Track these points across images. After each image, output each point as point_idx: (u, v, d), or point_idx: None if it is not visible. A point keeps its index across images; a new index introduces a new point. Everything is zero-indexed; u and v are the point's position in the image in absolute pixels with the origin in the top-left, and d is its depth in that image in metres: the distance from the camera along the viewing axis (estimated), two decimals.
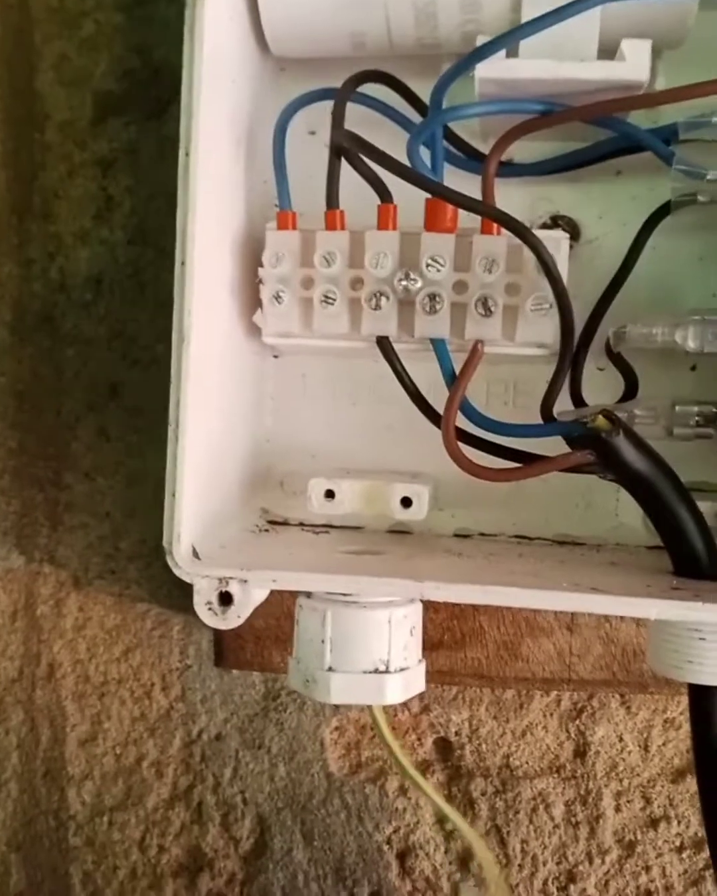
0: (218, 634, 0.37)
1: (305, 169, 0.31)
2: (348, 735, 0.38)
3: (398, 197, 0.29)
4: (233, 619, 0.28)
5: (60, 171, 0.38)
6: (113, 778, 0.39)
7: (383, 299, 0.28)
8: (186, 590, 0.39)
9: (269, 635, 0.36)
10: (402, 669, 0.29)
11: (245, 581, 0.28)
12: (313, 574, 0.27)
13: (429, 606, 0.35)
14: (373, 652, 0.28)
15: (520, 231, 0.28)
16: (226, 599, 0.28)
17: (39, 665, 0.39)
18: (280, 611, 0.36)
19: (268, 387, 0.34)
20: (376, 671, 0.28)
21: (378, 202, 0.29)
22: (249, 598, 0.28)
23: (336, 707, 0.38)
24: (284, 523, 0.35)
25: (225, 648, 0.37)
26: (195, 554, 0.28)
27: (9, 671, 0.39)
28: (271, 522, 0.35)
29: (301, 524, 0.35)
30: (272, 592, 0.36)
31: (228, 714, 0.39)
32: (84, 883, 0.39)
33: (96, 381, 0.39)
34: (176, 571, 0.28)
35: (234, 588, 0.28)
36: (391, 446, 0.34)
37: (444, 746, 0.38)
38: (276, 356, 0.34)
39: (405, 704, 0.38)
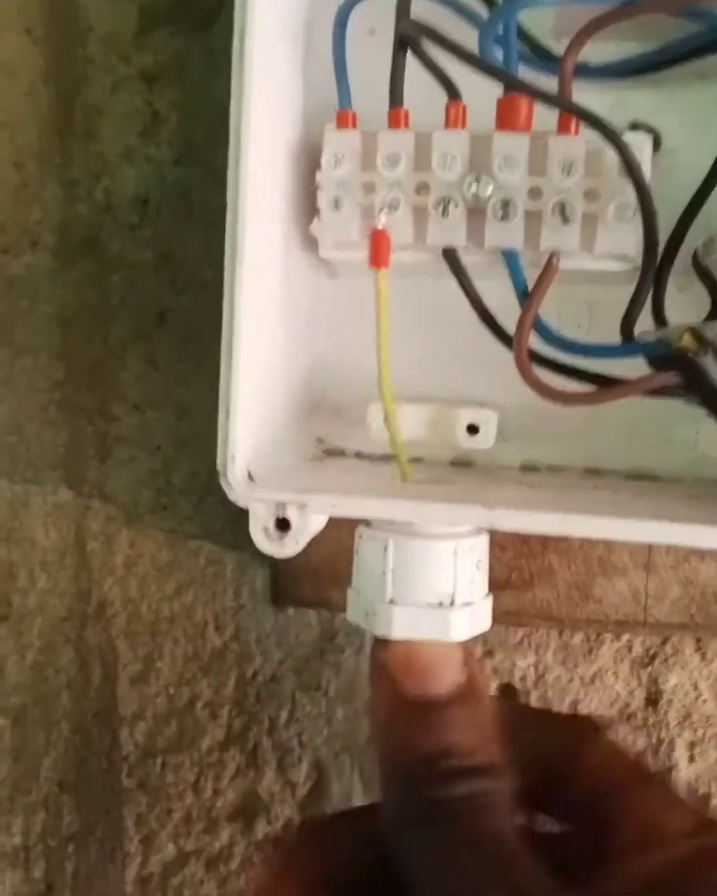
0: (274, 571, 0.36)
1: (363, 72, 0.28)
2: None
3: (467, 97, 0.26)
4: (290, 545, 0.26)
5: (104, 87, 0.36)
6: (166, 719, 0.38)
7: (452, 206, 0.26)
8: (240, 527, 0.37)
9: (326, 572, 0.34)
10: (467, 604, 0.27)
11: (304, 506, 0.26)
12: (377, 500, 0.25)
13: (495, 544, 0.33)
14: (437, 585, 0.26)
15: (603, 128, 0.25)
16: (283, 525, 0.26)
17: (90, 603, 0.38)
18: (338, 547, 0.34)
19: (324, 309, 0.32)
20: (441, 605, 0.26)
21: (445, 101, 0.26)
22: (308, 525, 0.26)
23: None
24: (341, 453, 0.33)
25: (281, 586, 0.35)
26: (250, 477, 0.26)
27: (58, 609, 0.38)
28: (327, 452, 0.33)
29: (358, 454, 0.33)
30: (329, 528, 0.35)
31: (284, 655, 0.37)
32: (137, 825, 0.38)
33: (144, 308, 0.37)
34: (230, 495, 0.26)
35: (291, 513, 0.26)
36: (454, 373, 0.32)
37: (509, 692, 0.36)
38: (332, 276, 0.32)
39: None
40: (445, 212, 0.26)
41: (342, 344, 0.32)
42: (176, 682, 0.38)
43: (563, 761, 0.27)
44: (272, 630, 0.37)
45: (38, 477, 0.38)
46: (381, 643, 0.27)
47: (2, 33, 0.37)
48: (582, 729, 0.29)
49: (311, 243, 0.28)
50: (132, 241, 0.37)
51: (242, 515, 0.37)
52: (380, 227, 0.26)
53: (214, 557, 0.37)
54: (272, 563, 0.36)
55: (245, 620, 0.37)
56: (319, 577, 0.35)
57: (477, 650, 0.36)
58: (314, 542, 0.35)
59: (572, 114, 0.25)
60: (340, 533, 0.33)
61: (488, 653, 0.36)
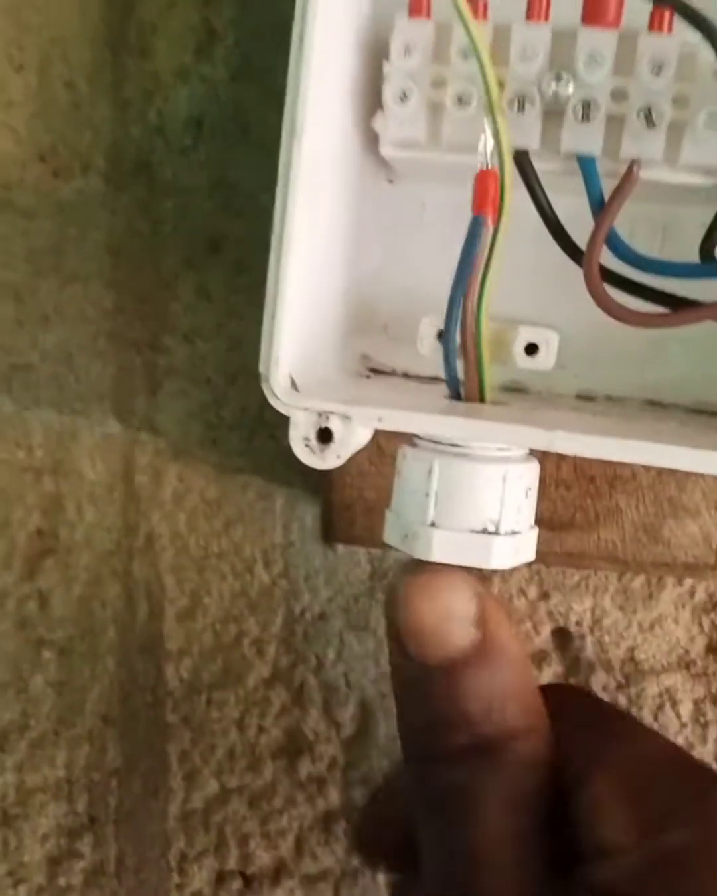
0: (326, 506, 0.35)
1: None
2: None
3: None
4: (331, 458, 0.25)
5: (159, 2, 0.35)
6: (212, 655, 0.37)
7: (528, 104, 0.25)
8: (290, 462, 0.36)
9: (379, 508, 0.33)
10: (513, 533, 0.26)
11: (348, 418, 0.25)
12: (427, 415, 0.24)
13: (559, 483, 0.32)
14: (482, 511, 0.25)
15: (700, 23, 0.23)
16: (325, 436, 0.25)
17: (137, 537, 0.38)
18: (391, 482, 0.33)
19: (380, 216, 0.30)
20: (485, 531, 0.25)
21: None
22: (351, 438, 0.25)
23: None
24: (388, 372, 0.31)
25: (333, 521, 0.34)
26: (294, 385, 0.25)
27: (105, 542, 0.38)
28: (373, 370, 0.31)
29: (405, 374, 0.31)
30: (382, 462, 0.34)
31: (333, 593, 0.36)
32: (181, 761, 0.38)
33: (196, 235, 0.36)
34: (273, 401, 0.25)
35: (334, 424, 0.25)
36: (514, 291, 0.29)
37: (563, 636, 0.35)
38: (391, 181, 0.30)
39: (522, 590, 0.35)
40: (521, 108, 0.24)
41: (398, 254, 0.31)
42: (223, 619, 0.37)
43: None
44: (321, 567, 0.36)
45: (85, 409, 0.38)
46: (391, 601, 0.25)
47: None
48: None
49: (372, 143, 0.27)
50: (185, 165, 0.35)
51: (292, 451, 0.37)
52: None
53: (264, 493, 0.37)
54: (324, 500, 0.35)
55: (294, 557, 0.37)
56: (372, 512, 0.34)
57: (508, 605, 0.35)
58: (366, 477, 0.34)
59: (665, 7, 0.24)
60: (392, 469, 0.33)
61: (544, 595, 0.35)
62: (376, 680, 0.36)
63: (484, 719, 0.24)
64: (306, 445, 0.25)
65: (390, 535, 0.26)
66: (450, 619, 0.24)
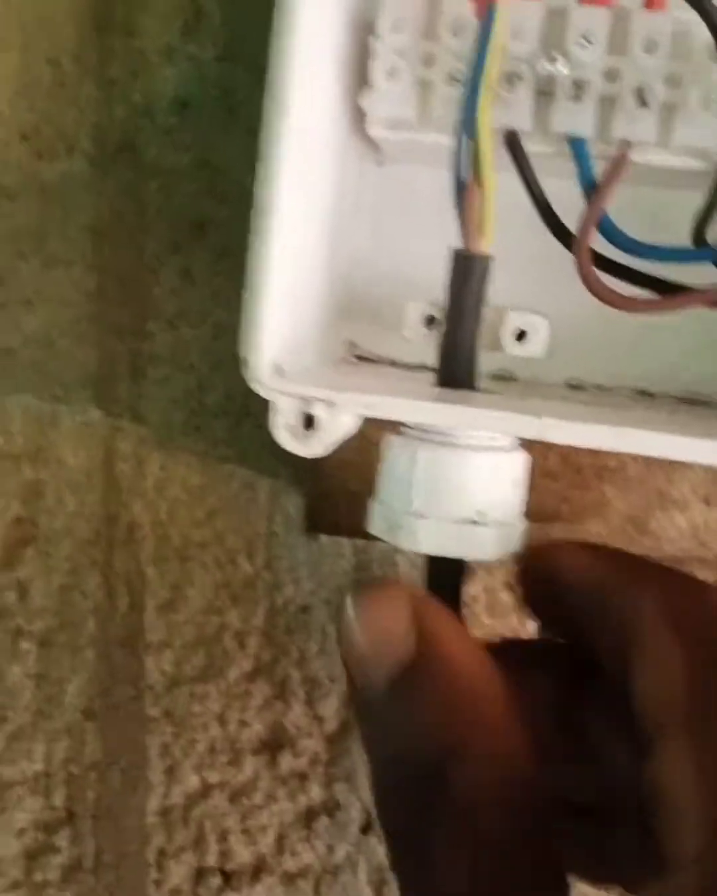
0: (310, 497, 0.34)
1: None
2: None
3: None
4: (315, 446, 0.24)
5: None
6: (193, 647, 0.37)
7: (518, 82, 0.24)
8: (275, 451, 0.36)
9: (364, 499, 0.32)
10: (500, 524, 0.25)
11: (333, 404, 0.24)
12: (415, 402, 0.23)
13: (546, 473, 0.32)
14: (470, 500, 0.25)
15: (696, 1, 0.23)
16: (310, 423, 0.24)
17: (118, 526, 0.37)
18: (375, 472, 0.32)
19: (366, 199, 0.30)
20: (473, 522, 0.25)
21: None
22: (337, 426, 0.24)
23: None
24: (373, 360, 0.31)
25: (317, 511, 0.33)
26: (278, 370, 0.24)
27: (85, 532, 0.37)
28: (359, 357, 0.31)
29: (392, 362, 0.31)
30: (366, 451, 0.33)
31: (316, 585, 0.36)
32: (161, 755, 0.37)
33: (181, 218, 0.35)
34: (255, 386, 0.24)
35: (319, 411, 0.24)
36: (502, 277, 0.29)
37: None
38: (379, 164, 0.29)
39: (508, 584, 0.34)
40: (511, 86, 0.24)
41: (385, 238, 0.30)
42: (205, 610, 0.37)
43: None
44: (305, 559, 0.36)
45: (67, 395, 0.37)
46: (338, 633, 0.23)
47: None
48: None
49: (358, 123, 0.26)
50: (170, 146, 0.35)
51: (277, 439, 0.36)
52: None
53: (248, 482, 0.36)
54: (308, 490, 0.35)
55: (277, 548, 0.36)
56: (355, 502, 0.33)
57: (491, 598, 0.34)
58: (350, 467, 0.33)
59: None
60: (378, 456, 0.32)
61: None
62: None
63: (440, 730, 0.21)
64: (289, 432, 0.24)
65: (375, 525, 0.26)
66: (386, 639, 0.22)
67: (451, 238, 0.25)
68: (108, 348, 0.36)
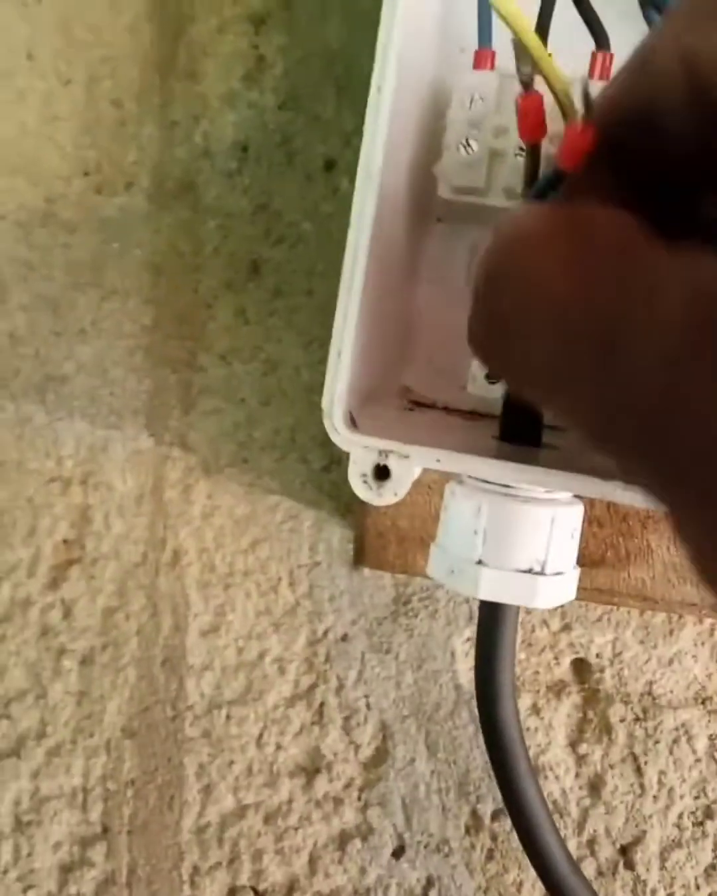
0: (359, 532, 0.35)
1: None
2: None
3: (617, 45, 0.25)
4: (388, 495, 0.26)
5: (210, 26, 0.35)
6: (234, 671, 0.38)
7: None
8: (319, 485, 0.37)
9: (413, 537, 0.34)
10: (558, 573, 0.26)
11: (406, 457, 0.25)
12: (485, 459, 0.25)
13: (592, 519, 0.33)
14: (530, 551, 0.26)
15: None
16: (382, 473, 0.25)
17: (164, 551, 0.38)
18: (426, 512, 0.34)
19: (428, 252, 0.31)
20: (531, 571, 0.26)
21: (592, 48, 0.25)
22: (408, 476, 0.25)
23: (470, 617, 0.36)
24: (429, 406, 0.32)
25: (366, 547, 0.35)
26: (352, 422, 0.25)
27: (132, 555, 0.38)
28: (414, 402, 0.32)
29: (446, 408, 0.32)
30: (416, 491, 0.34)
31: (356, 615, 0.37)
32: (198, 775, 0.39)
33: (237, 258, 0.36)
34: (334, 437, 0.25)
35: (392, 462, 0.25)
36: None
37: (582, 667, 0.36)
38: (439, 220, 0.31)
39: (545, 621, 0.36)
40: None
41: (444, 289, 0.31)
42: (246, 636, 0.38)
43: None
44: (346, 589, 0.37)
45: (119, 422, 0.38)
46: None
47: None
48: None
49: (429, 185, 0.27)
50: (229, 189, 0.36)
51: (321, 474, 0.37)
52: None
53: (292, 513, 0.37)
54: (357, 525, 0.36)
55: (319, 578, 0.37)
56: (405, 540, 0.34)
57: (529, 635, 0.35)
58: (400, 506, 0.34)
59: None
60: (430, 496, 0.33)
61: (566, 627, 0.35)
62: (395, 702, 0.37)
63: None
64: (364, 482, 0.26)
65: (436, 570, 0.27)
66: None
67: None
68: (161, 379, 0.37)
